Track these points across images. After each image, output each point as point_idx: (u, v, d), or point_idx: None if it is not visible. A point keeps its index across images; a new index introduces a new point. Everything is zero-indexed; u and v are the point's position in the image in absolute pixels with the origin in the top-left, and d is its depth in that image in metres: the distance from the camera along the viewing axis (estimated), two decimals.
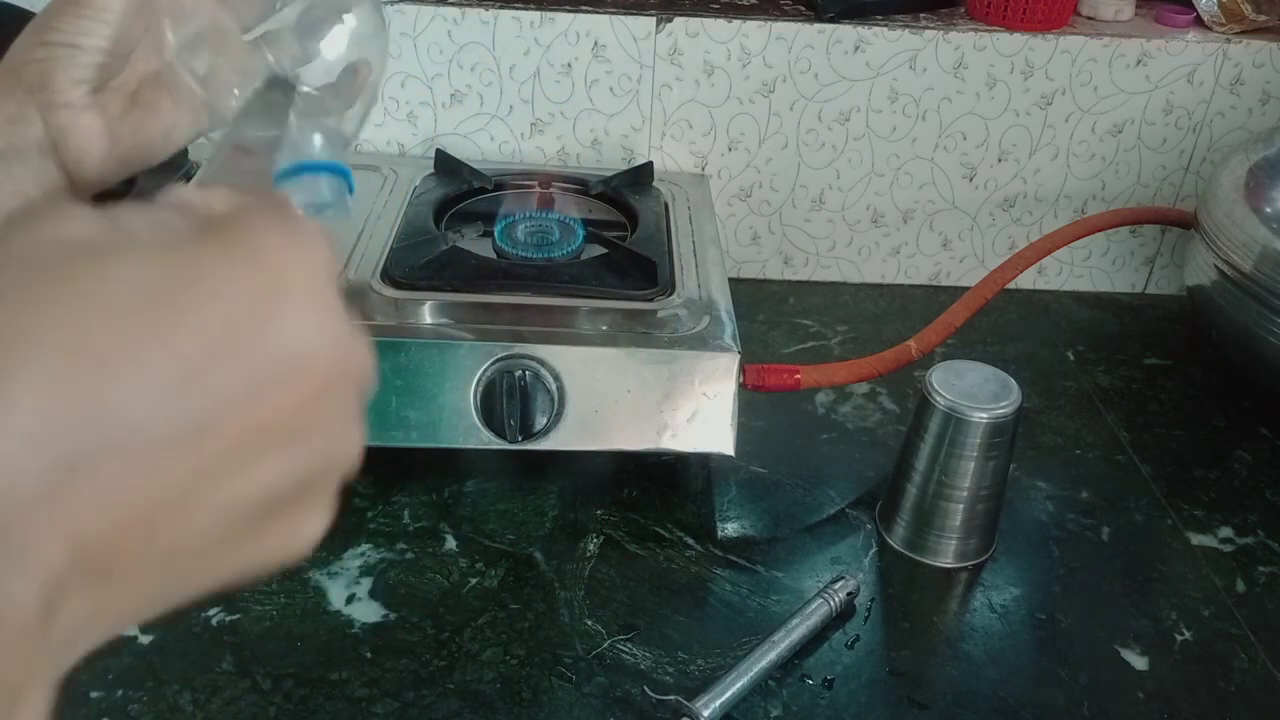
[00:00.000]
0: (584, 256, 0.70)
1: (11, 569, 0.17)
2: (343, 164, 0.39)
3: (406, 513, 0.63)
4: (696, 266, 0.70)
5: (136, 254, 0.20)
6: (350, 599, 0.57)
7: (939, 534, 0.61)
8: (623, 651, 0.55)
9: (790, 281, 0.92)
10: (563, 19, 0.79)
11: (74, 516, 0.18)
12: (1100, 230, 0.80)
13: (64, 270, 0.19)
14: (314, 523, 0.24)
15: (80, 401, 0.18)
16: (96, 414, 0.18)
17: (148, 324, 0.19)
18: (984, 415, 0.58)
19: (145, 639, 0.54)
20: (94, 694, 0.51)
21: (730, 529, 0.64)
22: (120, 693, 0.51)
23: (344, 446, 0.24)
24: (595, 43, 0.80)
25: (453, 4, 0.79)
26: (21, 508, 0.17)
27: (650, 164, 0.81)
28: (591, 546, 0.61)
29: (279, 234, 0.22)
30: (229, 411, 0.20)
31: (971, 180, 0.88)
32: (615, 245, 0.70)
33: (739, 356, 0.61)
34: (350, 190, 0.39)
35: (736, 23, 0.80)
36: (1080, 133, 0.86)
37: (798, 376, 0.64)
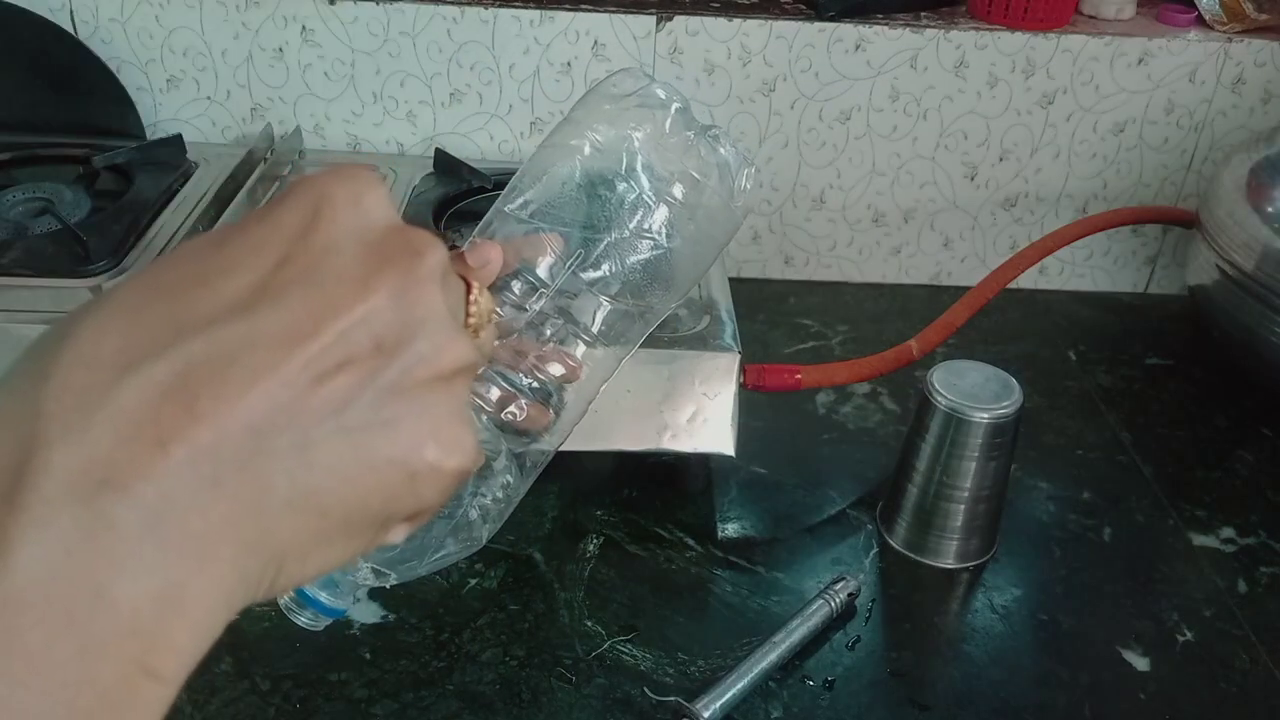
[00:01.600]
0: None
1: None
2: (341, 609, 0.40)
3: None
4: None
5: None
6: None
7: (940, 534, 0.61)
8: (623, 652, 0.55)
9: (791, 281, 0.92)
10: (562, 18, 0.79)
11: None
12: (1102, 230, 0.80)
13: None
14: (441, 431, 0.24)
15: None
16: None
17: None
18: (985, 415, 0.57)
19: None
20: None
21: (731, 529, 0.63)
22: None
23: (435, 339, 0.24)
24: (595, 41, 0.80)
25: (452, 3, 0.79)
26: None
27: None
28: (591, 547, 0.61)
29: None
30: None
31: (973, 179, 0.88)
32: None
33: (739, 356, 0.61)
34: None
35: (737, 21, 0.80)
36: (1082, 132, 0.86)
37: (798, 376, 0.64)
